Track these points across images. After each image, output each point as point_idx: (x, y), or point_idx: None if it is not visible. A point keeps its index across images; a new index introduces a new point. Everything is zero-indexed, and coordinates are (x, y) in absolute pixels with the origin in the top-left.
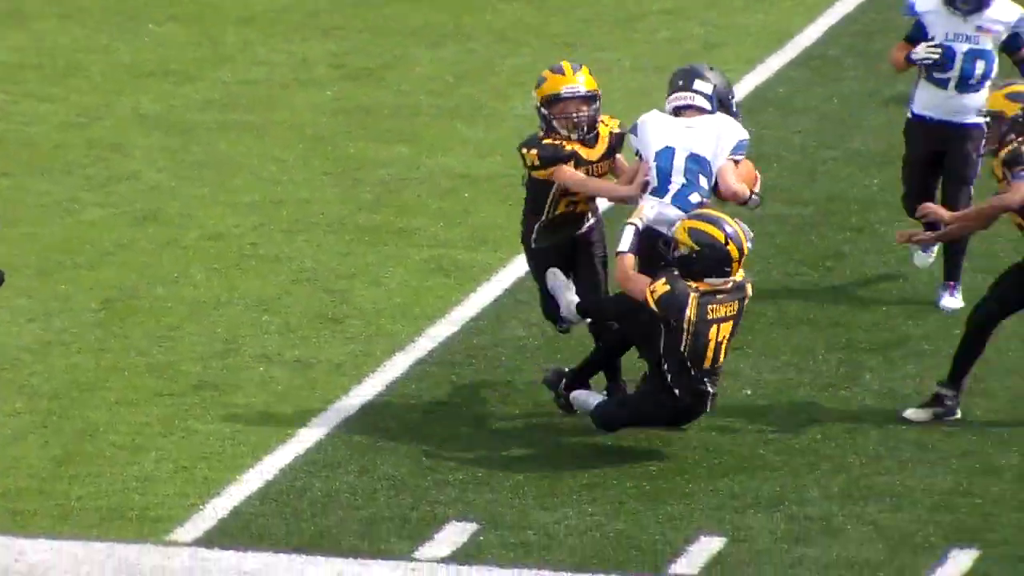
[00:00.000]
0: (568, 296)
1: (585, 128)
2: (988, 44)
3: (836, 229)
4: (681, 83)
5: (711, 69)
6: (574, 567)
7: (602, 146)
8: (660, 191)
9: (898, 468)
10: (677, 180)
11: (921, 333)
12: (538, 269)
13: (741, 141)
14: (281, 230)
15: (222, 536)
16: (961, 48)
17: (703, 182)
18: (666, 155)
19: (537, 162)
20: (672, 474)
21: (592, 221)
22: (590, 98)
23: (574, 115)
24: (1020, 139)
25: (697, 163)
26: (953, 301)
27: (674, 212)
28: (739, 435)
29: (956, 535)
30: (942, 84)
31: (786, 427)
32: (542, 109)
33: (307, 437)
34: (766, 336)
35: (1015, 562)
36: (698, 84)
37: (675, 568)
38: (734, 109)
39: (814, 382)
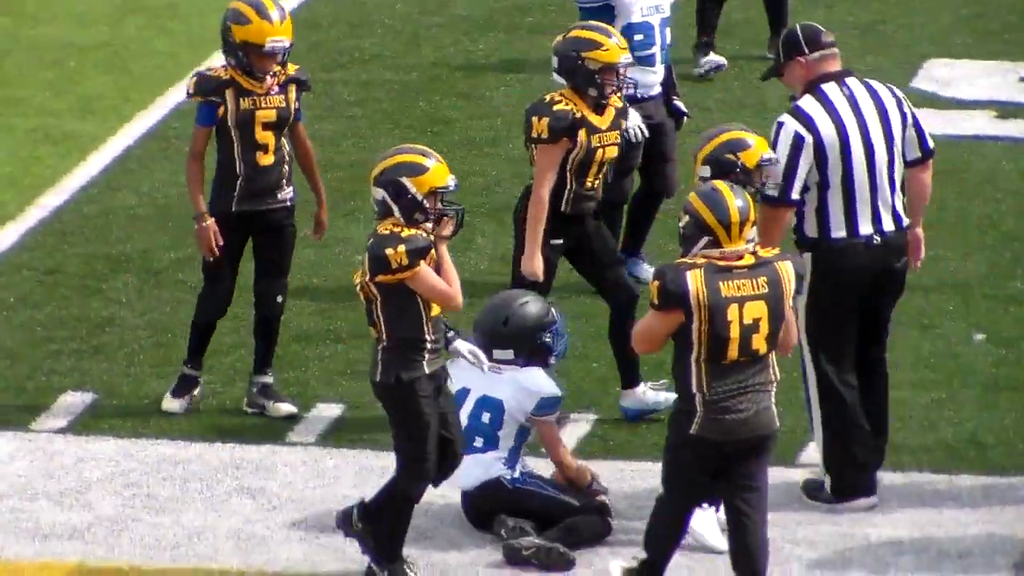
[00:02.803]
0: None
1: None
2: (668, 9)
3: (442, 94)
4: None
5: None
6: (189, 435)
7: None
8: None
9: None
10: None
11: None
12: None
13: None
14: None
15: None
16: (655, 20)
17: None
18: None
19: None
20: (287, 342)
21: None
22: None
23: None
24: None
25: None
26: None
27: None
28: (353, 304)
29: (575, 401)
30: (648, 61)
31: None
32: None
33: None
34: None
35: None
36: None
37: (293, 436)
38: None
39: None
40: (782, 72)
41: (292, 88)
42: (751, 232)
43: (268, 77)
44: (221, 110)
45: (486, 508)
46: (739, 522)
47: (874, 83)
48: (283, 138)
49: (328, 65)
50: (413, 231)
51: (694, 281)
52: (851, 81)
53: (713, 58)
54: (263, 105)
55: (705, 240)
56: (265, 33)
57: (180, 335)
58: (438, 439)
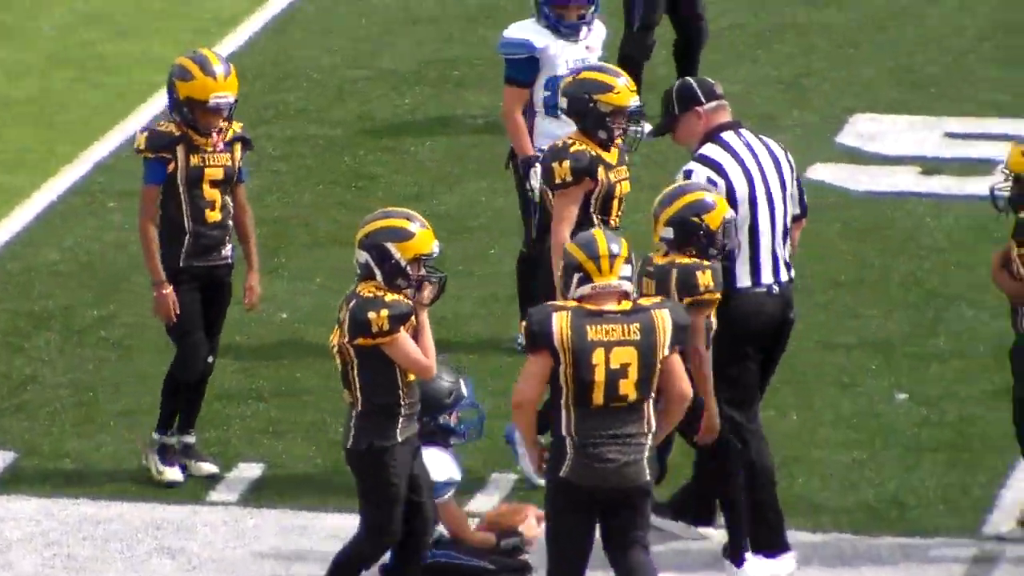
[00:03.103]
0: None
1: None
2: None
3: (367, 150)
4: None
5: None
6: (111, 495)
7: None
8: None
9: None
10: None
11: (454, 253)
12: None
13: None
14: None
15: None
16: None
17: None
18: None
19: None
20: (209, 400)
21: None
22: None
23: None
24: None
25: None
26: None
27: None
28: (275, 362)
29: (493, 462)
30: None
31: (323, 352)
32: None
33: None
34: (300, 259)
35: None
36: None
37: (214, 495)
38: None
39: None
40: (674, 127)
41: (237, 147)
42: (626, 269)
43: (214, 133)
44: (171, 167)
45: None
46: (625, 562)
47: (761, 136)
48: (227, 195)
49: (253, 120)
50: (396, 296)
51: (559, 323)
52: (744, 132)
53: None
54: (211, 163)
55: (577, 277)
56: (208, 89)
57: (102, 393)
58: (407, 504)
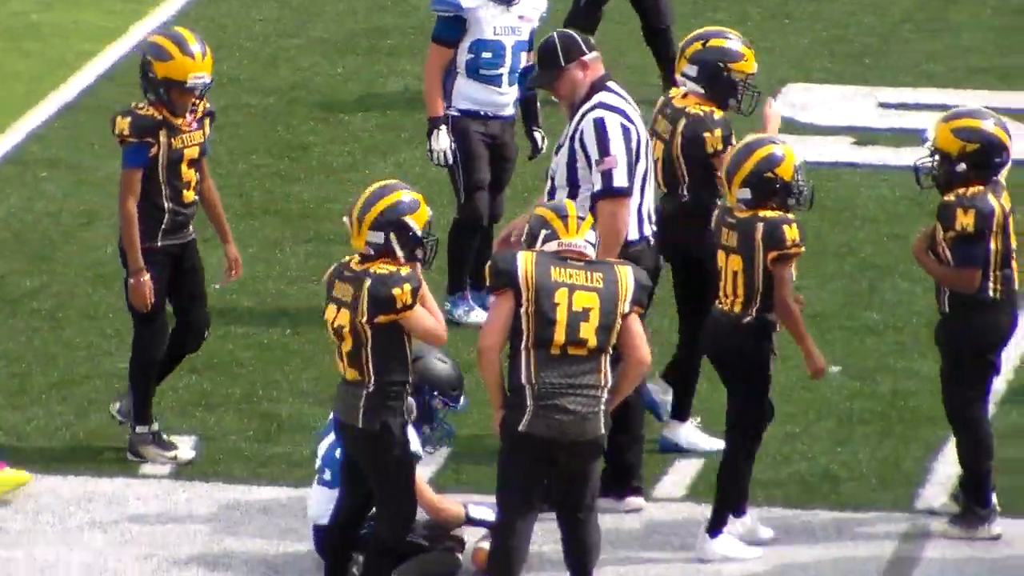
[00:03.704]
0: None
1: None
2: (526, 34)
3: (301, 119)
4: None
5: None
6: (42, 468)
7: None
8: None
9: None
10: None
11: None
12: None
13: None
14: None
15: None
16: (509, 41)
17: None
18: None
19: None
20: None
21: None
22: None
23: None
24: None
25: None
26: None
27: None
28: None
29: None
30: (494, 81)
31: (256, 323)
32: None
33: None
34: (233, 229)
35: None
36: None
37: (147, 468)
38: None
39: (282, 275)
40: (558, 78)
41: (207, 122)
42: (590, 234)
43: (188, 113)
44: (154, 150)
45: (337, 546)
46: (574, 520)
47: None
48: (197, 172)
49: None
50: (407, 269)
51: (524, 262)
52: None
53: None
54: (188, 143)
55: (544, 234)
56: (187, 69)
57: (35, 364)
58: None
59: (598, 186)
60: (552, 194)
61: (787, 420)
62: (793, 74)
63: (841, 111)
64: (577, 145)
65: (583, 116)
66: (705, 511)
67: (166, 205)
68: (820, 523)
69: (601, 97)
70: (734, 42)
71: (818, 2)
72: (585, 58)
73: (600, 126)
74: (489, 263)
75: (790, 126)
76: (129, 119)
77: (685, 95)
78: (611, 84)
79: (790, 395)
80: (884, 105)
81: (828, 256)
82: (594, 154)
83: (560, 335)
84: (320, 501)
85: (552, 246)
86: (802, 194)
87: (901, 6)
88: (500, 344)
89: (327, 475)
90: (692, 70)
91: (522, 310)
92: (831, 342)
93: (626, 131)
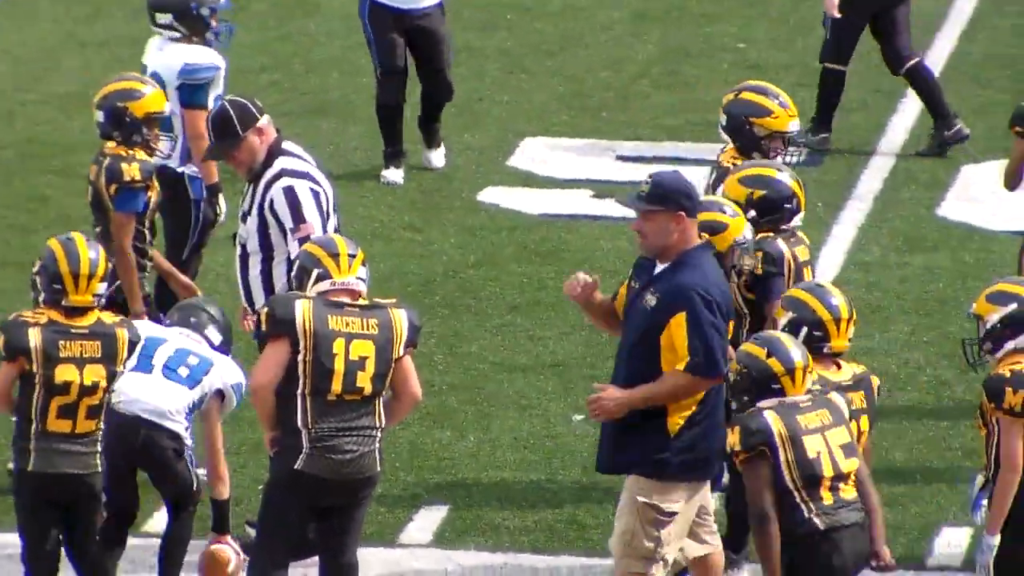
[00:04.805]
0: None
1: None
2: None
3: (38, 172)
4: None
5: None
6: None
7: None
8: None
9: None
10: None
11: None
12: None
13: None
14: None
15: None
16: None
17: None
18: None
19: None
20: None
21: None
22: None
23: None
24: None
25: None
26: None
27: None
28: None
29: None
30: None
31: None
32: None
33: None
34: None
35: None
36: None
37: None
38: None
39: None
40: (235, 148)
41: None
42: (362, 270)
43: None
44: (149, 194)
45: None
46: (337, 567)
47: None
48: None
49: None
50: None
51: (302, 309)
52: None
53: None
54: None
55: (316, 273)
56: (160, 101)
57: None
58: None
59: (296, 253)
60: (244, 260)
61: (532, 468)
62: (531, 128)
63: (579, 164)
64: (268, 214)
65: (268, 185)
66: (452, 556)
67: (147, 247)
68: (567, 568)
69: (283, 163)
70: (766, 97)
71: (555, 58)
72: (259, 124)
73: (291, 195)
74: (266, 308)
75: (529, 179)
76: (138, 165)
77: (725, 148)
78: (286, 146)
79: (534, 443)
80: (622, 158)
81: (569, 306)
82: (288, 223)
83: (337, 385)
84: (160, 388)
85: (324, 285)
86: (734, 271)
87: (637, 62)
88: (274, 383)
89: (183, 372)
90: (723, 120)
91: (299, 357)
92: (574, 392)
93: (316, 195)
